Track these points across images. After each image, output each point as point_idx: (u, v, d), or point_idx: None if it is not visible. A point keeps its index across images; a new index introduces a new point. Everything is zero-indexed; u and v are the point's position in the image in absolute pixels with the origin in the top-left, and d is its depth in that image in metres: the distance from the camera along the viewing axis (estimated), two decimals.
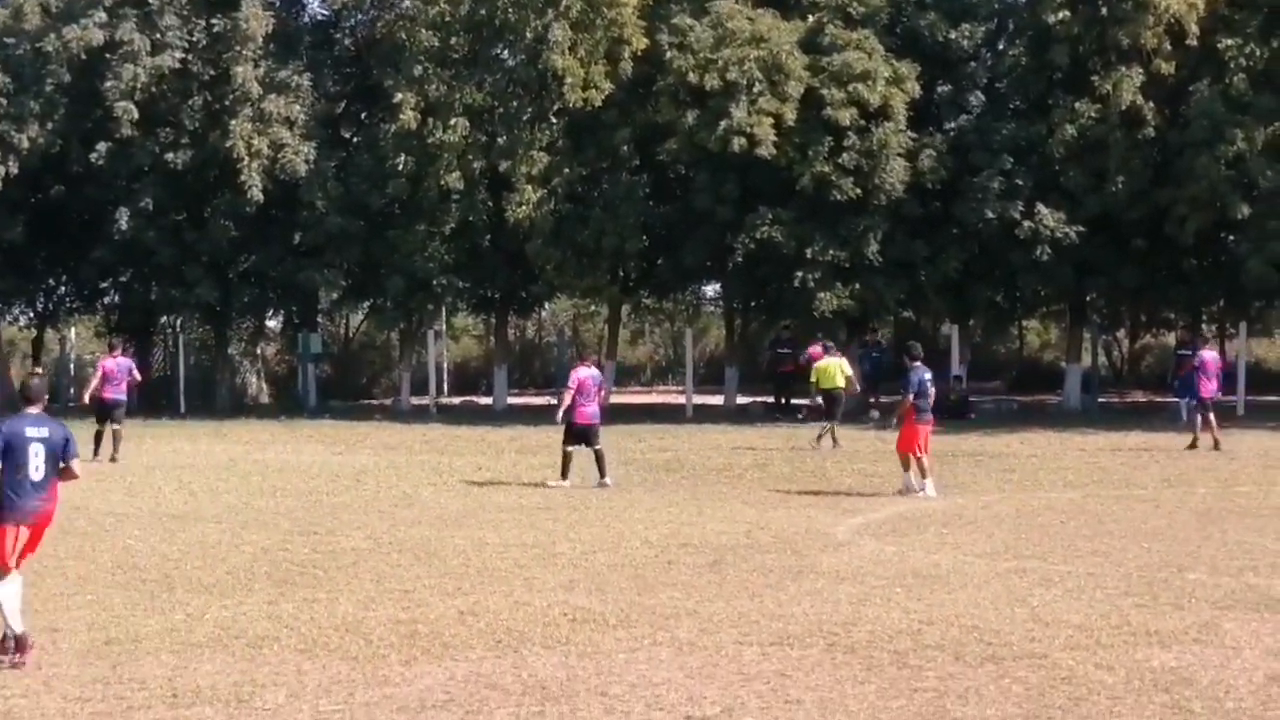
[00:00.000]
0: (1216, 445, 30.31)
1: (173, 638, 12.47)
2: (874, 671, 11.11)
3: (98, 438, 30.35)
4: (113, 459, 29.73)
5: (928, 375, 24.19)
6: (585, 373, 26.01)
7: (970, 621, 12.84)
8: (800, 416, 37.83)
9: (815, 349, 42.70)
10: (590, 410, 25.58)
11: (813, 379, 34.04)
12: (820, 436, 32.08)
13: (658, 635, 12.43)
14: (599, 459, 25.34)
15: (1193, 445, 30.67)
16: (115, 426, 30.64)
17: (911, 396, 23.82)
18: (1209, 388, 31.15)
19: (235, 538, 18.74)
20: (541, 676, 11.00)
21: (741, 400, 44.58)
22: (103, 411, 30.99)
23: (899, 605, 13.69)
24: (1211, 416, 30.86)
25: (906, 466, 23.82)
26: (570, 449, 25.47)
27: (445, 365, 59.44)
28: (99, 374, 31.90)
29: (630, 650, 11.90)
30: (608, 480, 25.04)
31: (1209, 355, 32.38)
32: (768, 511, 21.29)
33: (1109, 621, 12.82)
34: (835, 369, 33.32)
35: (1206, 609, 13.46)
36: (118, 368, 31.41)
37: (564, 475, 25.27)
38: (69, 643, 12.25)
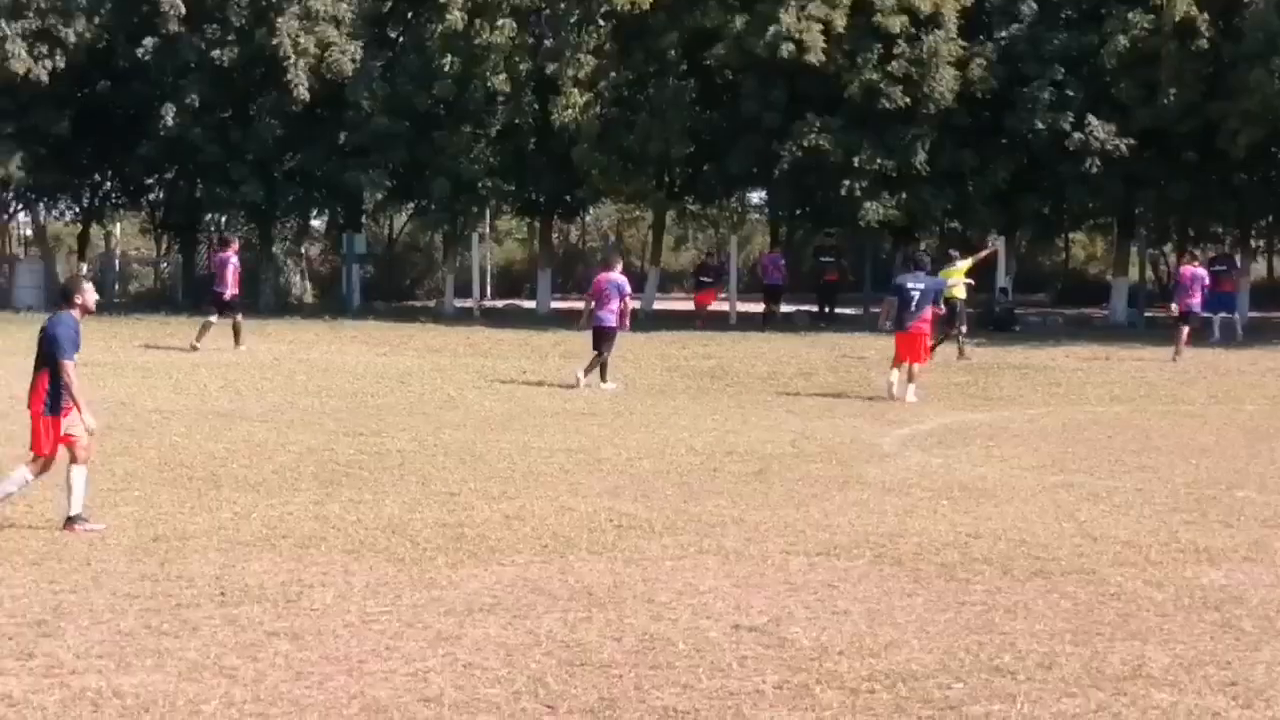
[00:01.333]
0: (1175, 356, 30.83)
1: (220, 536, 12.50)
2: (921, 584, 11.06)
3: (234, 331, 31.58)
4: (236, 345, 31.32)
5: (910, 283, 24.35)
6: (601, 276, 26.35)
7: (1018, 535, 12.78)
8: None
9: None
10: (599, 314, 25.72)
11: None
12: (961, 350, 31.00)
13: (704, 543, 12.40)
14: (595, 360, 25.47)
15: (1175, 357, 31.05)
16: (211, 320, 31.86)
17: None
18: (1186, 302, 31.91)
19: (281, 437, 18.79)
20: (588, 582, 10.98)
21: (785, 309, 44.42)
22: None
23: (945, 518, 13.63)
24: (1184, 331, 31.44)
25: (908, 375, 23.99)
26: (604, 353, 25.59)
27: (489, 268, 59.40)
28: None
29: (676, 558, 11.87)
30: (586, 380, 25.07)
31: (1187, 271, 33.05)
32: (812, 421, 21.23)
33: (1158, 538, 12.74)
34: (951, 276, 31.70)
35: (1256, 527, 13.36)
36: (218, 263, 32.78)
37: (602, 378, 25.34)
38: (117, 539, 12.28)
